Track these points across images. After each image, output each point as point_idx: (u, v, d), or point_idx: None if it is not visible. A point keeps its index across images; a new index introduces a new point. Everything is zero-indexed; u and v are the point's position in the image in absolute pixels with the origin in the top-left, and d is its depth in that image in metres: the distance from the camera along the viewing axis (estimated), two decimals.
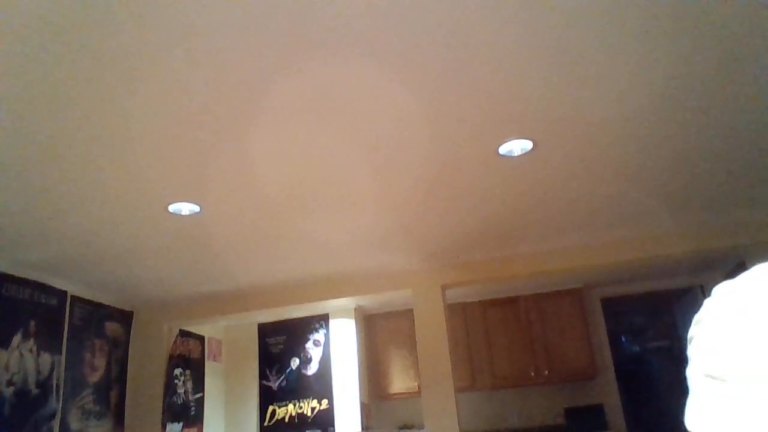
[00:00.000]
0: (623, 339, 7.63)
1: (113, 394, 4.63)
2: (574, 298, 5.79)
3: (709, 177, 3.35)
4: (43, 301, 3.98)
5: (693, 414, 0.53)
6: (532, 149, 2.80)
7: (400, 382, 5.82)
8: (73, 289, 4.28)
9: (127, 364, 4.84)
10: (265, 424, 5.67)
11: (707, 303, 0.56)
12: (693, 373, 0.54)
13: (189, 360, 5.36)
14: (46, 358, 3.92)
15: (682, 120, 2.65)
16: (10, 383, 3.59)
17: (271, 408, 5.70)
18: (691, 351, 0.55)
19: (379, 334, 6.01)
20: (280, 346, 5.86)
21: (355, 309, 5.72)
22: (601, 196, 3.50)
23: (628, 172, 3.18)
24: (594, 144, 2.81)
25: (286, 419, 5.61)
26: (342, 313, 5.72)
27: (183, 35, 1.82)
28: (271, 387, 5.77)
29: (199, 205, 3.12)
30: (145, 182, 2.79)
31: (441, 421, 4.39)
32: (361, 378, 5.60)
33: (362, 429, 5.36)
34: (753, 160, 3.15)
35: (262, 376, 5.83)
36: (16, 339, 3.70)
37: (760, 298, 0.50)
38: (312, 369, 5.69)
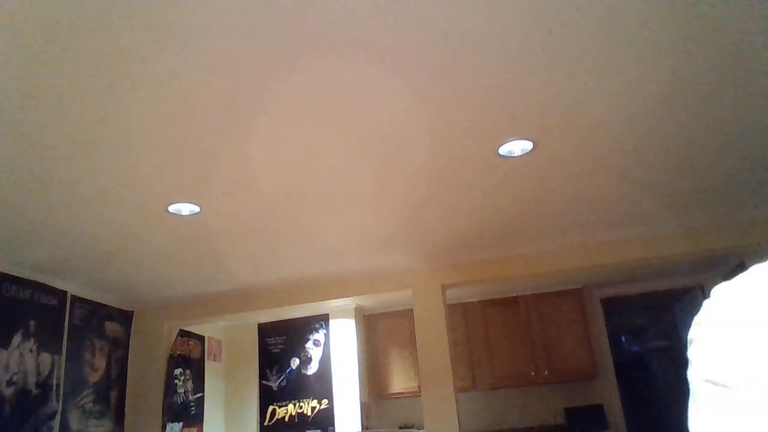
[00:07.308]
0: (623, 339, 7.63)
1: (113, 394, 4.63)
2: (574, 298, 5.79)
3: (710, 177, 3.35)
4: (43, 301, 3.98)
5: (695, 420, 0.52)
6: (532, 149, 2.80)
7: (400, 382, 5.82)
8: (73, 289, 4.28)
9: (127, 364, 4.84)
10: (265, 423, 5.67)
11: (707, 305, 0.55)
12: (694, 377, 0.53)
13: (189, 360, 5.36)
14: (46, 358, 3.92)
15: (682, 120, 2.65)
16: (10, 383, 3.59)
17: (271, 408, 5.70)
18: (692, 354, 0.55)
19: (379, 334, 6.01)
20: (280, 346, 5.86)
21: (355, 309, 5.73)
22: (601, 196, 3.50)
23: (628, 172, 3.18)
24: (594, 144, 2.81)
25: (286, 419, 5.61)
26: (342, 313, 5.73)
27: (183, 36, 1.82)
28: (271, 387, 5.77)
29: (199, 206, 3.12)
30: (145, 182, 2.79)
31: (441, 421, 4.39)
32: (361, 378, 5.60)
33: (362, 429, 5.36)
34: (753, 160, 3.15)
35: (262, 375, 5.83)
36: (16, 339, 3.70)
37: (760, 302, 0.50)
38: (312, 369, 5.69)
